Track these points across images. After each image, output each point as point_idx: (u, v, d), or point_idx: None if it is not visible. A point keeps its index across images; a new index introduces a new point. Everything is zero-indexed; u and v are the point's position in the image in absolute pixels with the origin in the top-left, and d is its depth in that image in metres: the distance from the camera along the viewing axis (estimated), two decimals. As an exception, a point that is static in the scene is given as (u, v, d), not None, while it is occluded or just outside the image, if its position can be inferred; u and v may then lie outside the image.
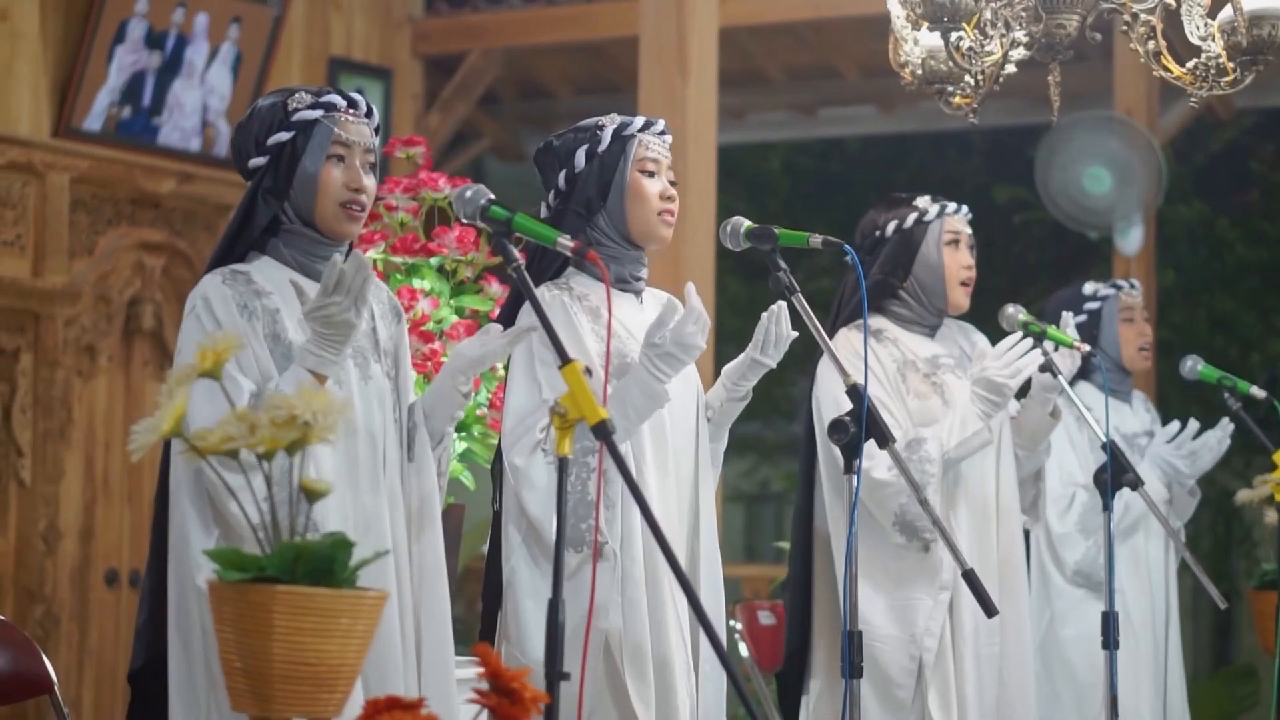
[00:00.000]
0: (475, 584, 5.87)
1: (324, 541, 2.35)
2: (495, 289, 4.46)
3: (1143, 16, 4.00)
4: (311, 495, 2.41)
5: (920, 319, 4.49)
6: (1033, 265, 10.41)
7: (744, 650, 5.61)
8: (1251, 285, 10.23)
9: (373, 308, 3.45)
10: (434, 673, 3.37)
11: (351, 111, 3.39)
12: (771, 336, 3.71)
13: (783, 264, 3.63)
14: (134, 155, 6.93)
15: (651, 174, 3.71)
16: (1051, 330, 4.49)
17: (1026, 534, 4.92)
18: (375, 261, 4.35)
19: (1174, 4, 3.98)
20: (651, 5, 6.78)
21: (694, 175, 6.53)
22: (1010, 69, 4.09)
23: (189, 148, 7.07)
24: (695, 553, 3.70)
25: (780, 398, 11.07)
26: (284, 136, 3.36)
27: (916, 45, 4.14)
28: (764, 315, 3.71)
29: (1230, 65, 3.94)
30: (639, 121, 3.74)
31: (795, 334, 3.74)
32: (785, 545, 5.23)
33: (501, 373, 3.86)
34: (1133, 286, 5.53)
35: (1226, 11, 3.94)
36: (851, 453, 3.52)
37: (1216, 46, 3.93)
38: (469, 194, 3.25)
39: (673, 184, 3.74)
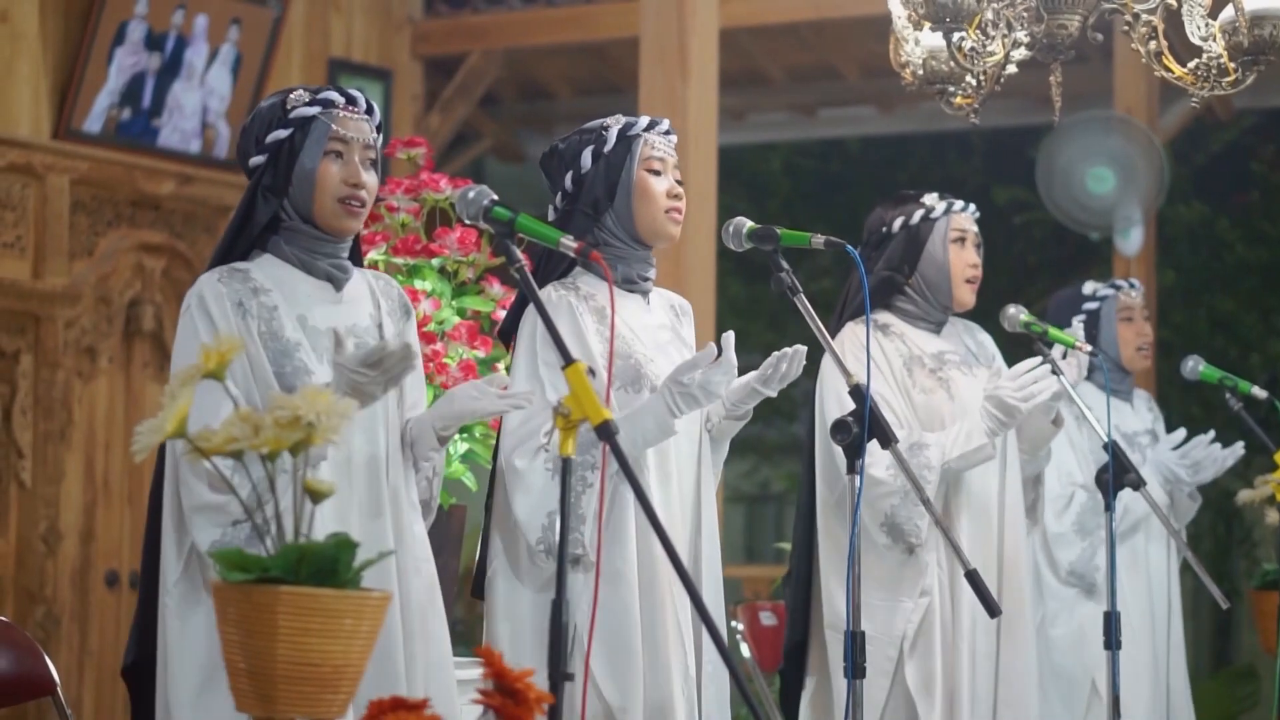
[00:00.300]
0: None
1: (327, 542, 2.35)
2: (497, 290, 4.45)
3: (1144, 17, 4.00)
4: (315, 496, 2.41)
5: (926, 315, 4.50)
6: (1033, 266, 10.41)
7: (746, 651, 5.61)
8: (1251, 286, 10.23)
9: (380, 303, 3.45)
10: (434, 672, 3.37)
11: (350, 108, 3.39)
12: (779, 373, 3.72)
13: (785, 264, 3.64)
14: (134, 157, 6.93)
15: (658, 173, 3.71)
16: (1053, 331, 4.50)
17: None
18: (377, 262, 4.35)
19: (1175, 4, 3.98)
20: (652, 6, 6.78)
21: (694, 176, 6.53)
22: (1011, 69, 4.09)
23: (189, 149, 7.07)
24: (697, 556, 3.70)
25: (781, 399, 11.03)
26: (282, 134, 3.37)
27: (917, 45, 4.14)
28: (777, 353, 3.71)
29: (1231, 65, 3.94)
30: (644, 121, 3.74)
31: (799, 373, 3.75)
32: (786, 546, 5.23)
33: (504, 374, 3.86)
34: (1132, 286, 5.53)
35: (1227, 12, 3.94)
36: (854, 453, 3.52)
37: (1217, 47, 3.94)
38: (472, 195, 3.25)
39: (679, 183, 3.74)
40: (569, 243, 3.19)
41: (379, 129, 3.45)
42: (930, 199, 4.51)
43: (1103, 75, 8.04)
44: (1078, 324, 4.66)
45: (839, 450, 3.60)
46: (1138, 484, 4.30)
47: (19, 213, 6.63)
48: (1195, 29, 3.94)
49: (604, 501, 3.49)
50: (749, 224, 3.73)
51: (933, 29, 3.94)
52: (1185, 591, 5.54)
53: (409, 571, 3.37)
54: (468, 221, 3.28)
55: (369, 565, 2.38)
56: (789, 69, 9.11)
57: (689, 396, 3.51)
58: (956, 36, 3.90)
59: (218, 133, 7.13)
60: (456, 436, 4.01)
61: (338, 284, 3.39)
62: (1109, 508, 4.28)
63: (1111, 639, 4.20)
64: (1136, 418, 5.46)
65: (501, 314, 4.13)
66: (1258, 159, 10.32)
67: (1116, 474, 4.29)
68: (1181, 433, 5.35)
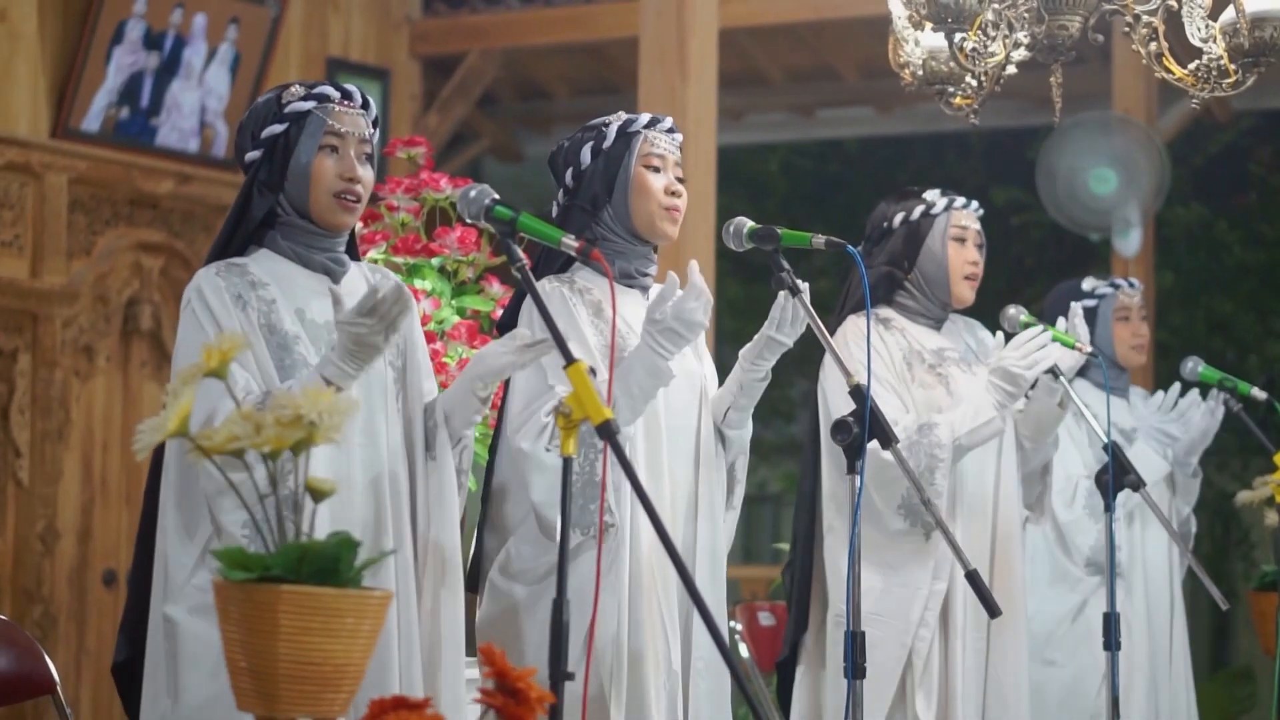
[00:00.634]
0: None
1: (329, 541, 2.35)
2: (496, 289, 4.45)
3: (1144, 18, 4.00)
4: (317, 495, 2.41)
5: (926, 311, 4.50)
6: (1031, 267, 10.42)
7: (744, 651, 5.60)
8: (1249, 288, 10.24)
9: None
10: (447, 672, 3.36)
11: (345, 103, 3.38)
12: (788, 316, 3.70)
13: (785, 264, 3.63)
14: (132, 156, 6.92)
15: (657, 170, 3.71)
16: (1054, 331, 4.50)
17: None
18: (377, 262, 4.35)
19: (1175, 5, 3.98)
20: (651, 6, 6.77)
21: (693, 176, 6.53)
22: (1010, 70, 4.09)
23: (187, 148, 7.07)
24: (690, 551, 3.69)
25: (779, 399, 11.06)
26: (277, 129, 3.36)
27: (917, 46, 4.14)
28: (782, 294, 3.69)
29: (1232, 67, 3.94)
30: (645, 118, 3.74)
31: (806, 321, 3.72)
32: (784, 546, 5.23)
33: (525, 331, 3.85)
34: (1132, 285, 5.53)
35: (1228, 13, 3.94)
36: (854, 453, 3.52)
37: (1218, 48, 3.93)
38: (473, 194, 3.25)
39: (680, 181, 3.73)
40: (570, 242, 3.19)
41: (375, 124, 3.44)
42: (932, 195, 4.52)
43: (1101, 76, 8.04)
44: (1076, 307, 4.63)
45: (842, 451, 3.60)
46: (1137, 485, 4.31)
47: (17, 211, 6.63)
48: (1195, 30, 3.94)
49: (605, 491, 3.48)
50: (750, 224, 3.73)
51: (935, 30, 3.94)
52: (1183, 593, 5.53)
53: (427, 570, 3.37)
54: (469, 221, 3.27)
55: (370, 564, 2.37)
56: (788, 69, 9.11)
57: (668, 331, 3.49)
58: (958, 37, 3.90)
59: (216, 132, 7.12)
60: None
61: (335, 277, 3.38)
62: (1109, 509, 4.28)
63: (1111, 639, 4.20)
64: (1132, 415, 5.46)
65: (500, 313, 4.13)
66: (1255, 161, 10.33)
67: (1116, 475, 4.29)
68: (1160, 395, 5.39)
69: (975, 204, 4.54)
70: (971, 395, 4.31)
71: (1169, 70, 4.01)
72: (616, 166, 3.70)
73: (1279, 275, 10.17)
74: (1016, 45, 4.02)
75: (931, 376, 4.39)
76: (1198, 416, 5.33)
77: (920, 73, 4.18)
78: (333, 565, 2.34)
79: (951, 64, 4.07)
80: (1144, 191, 7.84)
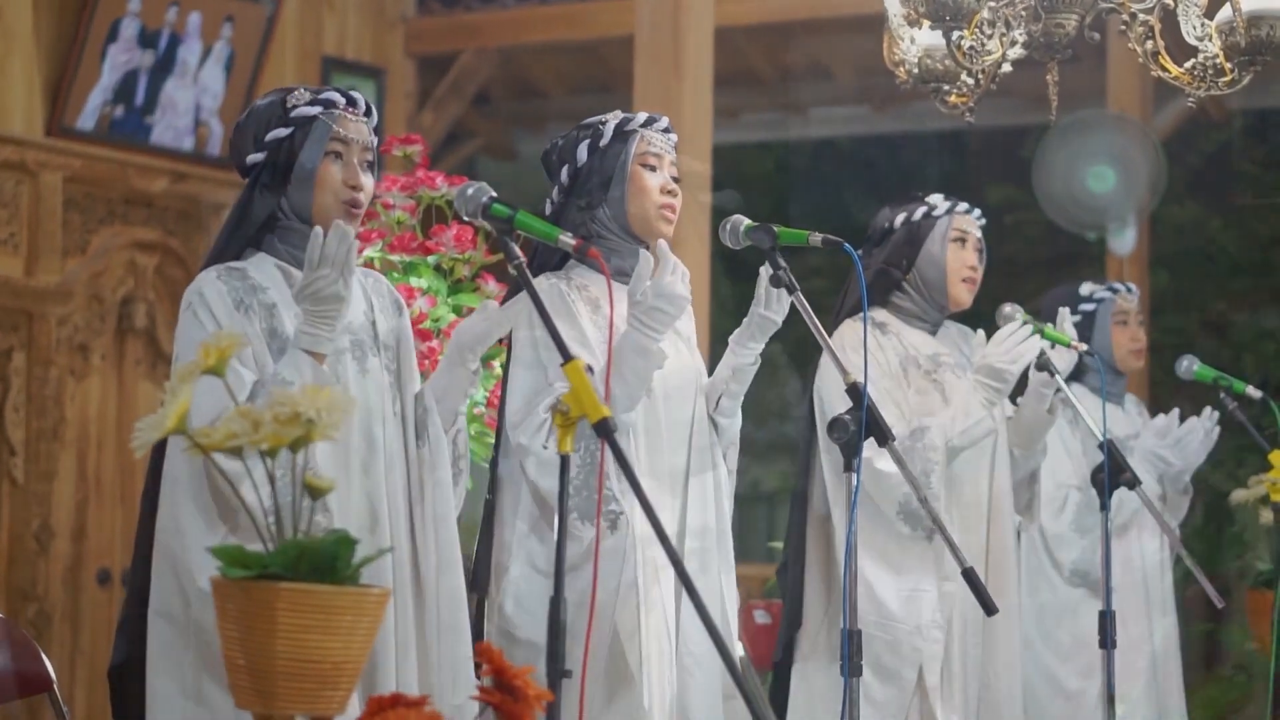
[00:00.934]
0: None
1: (327, 539, 2.35)
2: (492, 287, 4.46)
3: (1141, 16, 4.00)
4: (315, 493, 2.41)
5: (922, 313, 4.51)
6: (1025, 265, 10.41)
7: (740, 649, 5.59)
8: (1244, 287, 10.24)
9: (372, 300, 3.44)
10: (449, 662, 3.36)
11: (350, 109, 3.39)
12: (773, 294, 3.71)
13: (782, 262, 3.64)
14: (127, 154, 6.92)
15: (653, 168, 3.72)
16: (1048, 329, 4.50)
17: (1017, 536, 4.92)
18: (373, 260, 4.35)
19: (1171, 4, 3.98)
20: (646, 5, 6.78)
21: (688, 175, 6.53)
22: (1006, 68, 4.09)
23: (182, 147, 7.06)
24: (682, 534, 3.70)
25: (772, 398, 11.06)
26: (282, 133, 3.36)
27: (913, 44, 4.14)
28: (763, 269, 3.69)
29: (1228, 65, 3.94)
30: (641, 117, 3.75)
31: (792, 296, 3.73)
32: (778, 545, 5.23)
33: (499, 371, 3.86)
34: (1129, 290, 5.53)
35: (1224, 12, 3.94)
36: (851, 451, 3.52)
37: (1214, 47, 3.94)
38: (470, 192, 3.25)
39: (676, 180, 3.74)
40: (568, 239, 3.19)
41: (377, 132, 3.45)
42: (934, 198, 4.54)
43: (1096, 75, 8.04)
44: (1064, 313, 4.64)
45: (839, 449, 3.60)
46: (1133, 483, 4.30)
47: (11, 210, 6.62)
48: (1192, 29, 3.95)
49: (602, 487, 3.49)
50: (747, 222, 3.73)
51: (933, 28, 3.94)
52: (1176, 590, 5.53)
53: (432, 566, 3.36)
54: (466, 218, 3.27)
55: (367, 563, 2.37)
56: (782, 68, 9.11)
57: (652, 310, 3.50)
58: (956, 35, 3.90)
59: (211, 130, 7.12)
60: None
61: None
62: (1104, 507, 4.28)
63: (1107, 638, 4.20)
64: (1127, 421, 5.47)
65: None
66: (1250, 160, 10.33)
67: (1112, 473, 4.29)
68: (1161, 418, 5.38)
69: (978, 211, 4.56)
70: (960, 397, 4.32)
71: (1165, 69, 4.01)
72: (613, 165, 3.71)
73: (1274, 274, 10.18)
74: (1013, 43, 4.02)
75: (927, 382, 4.40)
76: (1195, 445, 5.33)
77: (915, 71, 4.18)
78: (330, 563, 2.34)
79: (947, 62, 4.07)
80: (1140, 190, 7.84)
